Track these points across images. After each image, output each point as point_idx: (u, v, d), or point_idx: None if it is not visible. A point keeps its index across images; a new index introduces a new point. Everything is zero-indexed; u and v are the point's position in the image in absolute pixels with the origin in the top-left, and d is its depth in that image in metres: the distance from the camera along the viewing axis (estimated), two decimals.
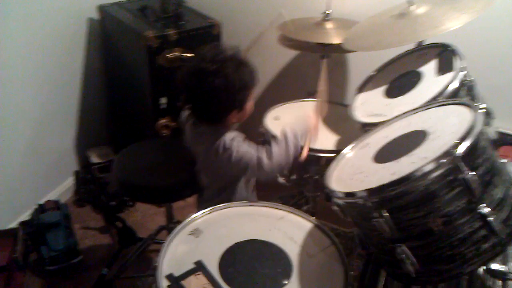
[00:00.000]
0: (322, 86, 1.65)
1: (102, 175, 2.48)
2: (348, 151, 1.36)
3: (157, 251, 2.10)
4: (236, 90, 1.42)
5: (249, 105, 1.52)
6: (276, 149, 1.46)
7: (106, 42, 2.57)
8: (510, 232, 1.04)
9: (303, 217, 1.33)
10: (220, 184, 1.59)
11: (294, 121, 1.56)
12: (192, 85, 1.44)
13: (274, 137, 1.69)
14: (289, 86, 2.47)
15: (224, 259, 1.17)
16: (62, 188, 2.53)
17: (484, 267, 1.11)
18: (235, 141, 1.47)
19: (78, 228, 2.32)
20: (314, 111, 1.59)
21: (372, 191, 1.05)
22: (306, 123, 1.55)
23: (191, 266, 1.15)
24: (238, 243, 1.22)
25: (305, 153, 1.55)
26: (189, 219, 1.31)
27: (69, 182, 2.59)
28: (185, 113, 1.67)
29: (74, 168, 2.63)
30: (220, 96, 1.42)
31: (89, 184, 2.49)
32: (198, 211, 1.70)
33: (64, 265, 2.07)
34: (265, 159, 1.44)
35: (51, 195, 2.43)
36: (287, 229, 1.29)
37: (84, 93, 2.58)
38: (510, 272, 1.14)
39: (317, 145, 1.63)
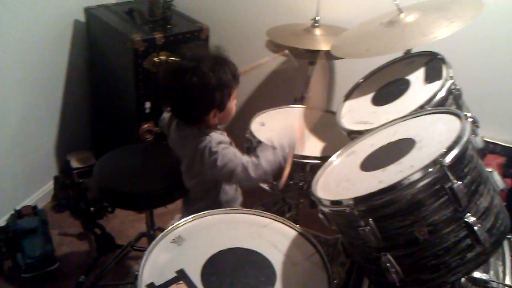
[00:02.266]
0: (314, 92, 1.62)
1: (81, 180, 2.43)
2: (334, 159, 1.35)
3: (137, 258, 2.11)
4: (213, 88, 1.41)
5: (231, 105, 1.50)
6: (262, 159, 1.45)
7: (92, 45, 2.54)
8: (495, 241, 1.04)
9: (287, 224, 1.32)
10: (204, 186, 1.57)
11: (281, 133, 1.53)
12: (170, 83, 1.43)
13: (260, 143, 1.67)
14: (275, 92, 2.46)
15: (206, 268, 1.15)
16: (41, 193, 2.48)
17: None
18: (221, 146, 1.45)
19: (56, 234, 2.28)
20: (300, 123, 1.57)
21: (359, 200, 1.04)
22: (293, 137, 1.52)
23: (172, 275, 1.12)
24: (221, 251, 1.20)
25: (285, 177, 1.53)
26: (172, 226, 1.28)
27: (48, 187, 2.54)
28: (167, 116, 1.65)
29: (54, 172, 2.59)
30: (196, 94, 1.41)
31: (68, 190, 2.44)
32: (184, 212, 1.69)
33: (40, 272, 2.02)
34: (250, 168, 1.43)
35: (29, 201, 2.38)
36: (271, 237, 1.27)
37: (67, 96, 2.54)
38: (491, 280, 1.14)
39: (303, 152, 1.61)
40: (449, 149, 1.00)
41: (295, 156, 1.58)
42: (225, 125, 1.62)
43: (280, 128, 1.55)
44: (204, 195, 1.59)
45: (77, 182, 2.44)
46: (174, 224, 1.28)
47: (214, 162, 1.43)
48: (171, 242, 1.23)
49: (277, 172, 1.50)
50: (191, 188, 1.62)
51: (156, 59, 2.18)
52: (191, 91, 1.40)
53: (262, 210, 1.37)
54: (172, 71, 1.44)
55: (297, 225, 1.31)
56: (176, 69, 1.43)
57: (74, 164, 2.52)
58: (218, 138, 1.47)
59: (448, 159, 0.98)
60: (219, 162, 1.42)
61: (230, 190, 1.60)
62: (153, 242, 1.21)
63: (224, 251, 1.20)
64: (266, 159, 1.45)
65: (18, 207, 2.23)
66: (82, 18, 2.48)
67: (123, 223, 2.38)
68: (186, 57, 1.42)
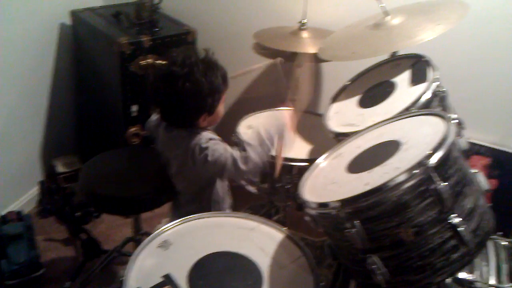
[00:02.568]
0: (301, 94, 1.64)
1: (67, 185, 2.41)
2: (321, 161, 1.35)
3: (123, 263, 2.09)
4: (205, 94, 1.42)
5: (220, 108, 1.52)
6: (250, 151, 1.45)
7: (78, 48, 2.52)
8: (479, 242, 1.05)
9: (274, 227, 1.31)
10: (196, 188, 1.57)
11: (269, 121, 1.54)
12: (162, 88, 1.43)
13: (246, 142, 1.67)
14: (263, 95, 2.45)
15: (193, 272, 1.14)
16: (26, 199, 2.45)
17: None
18: (211, 141, 1.46)
19: (41, 240, 2.24)
20: (290, 112, 1.57)
21: (345, 202, 1.04)
22: (281, 124, 1.52)
23: (159, 279, 1.11)
24: (208, 255, 1.19)
25: (279, 166, 1.53)
26: (158, 231, 1.27)
27: (33, 192, 2.50)
28: (154, 118, 1.64)
29: (39, 177, 2.55)
30: (189, 100, 1.42)
31: (53, 194, 2.42)
32: (173, 216, 1.67)
33: (25, 279, 1.99)
34: (240, 161, 1.43)
35: (14, 206, 2.34)
36: (258, 240, 1.26)
37: (53, 100, 2.52)
38: (476, 281, 1.15)
39: (290, 154, 1.62)
40: (434, 150, 1.01)
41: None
42: (213, 127, 1.62)
43: (269, 117, 1.55)
44: (196, 197, 1.58)
45: (63, 187, 2.41)
46: (161, 229, 1.27)
47: (205, 158, 1.43)
48: (158, 247, 1.22)
49: (268, 163, 1.51)
50: (183, 190, 1.61)
51: (143, 62, 2.17)
52: (184, 97, 1.41)
53: (250, 213, 1.37)
54: (164, 76, 1.43)
55: (284, 228, 1.30)
56: (168, 74, 1.42)
57: (60, 168, 2.50)
58: (208, 135, 1.49)
59: (433, 160, 0.99)
60: (210, 157, 1.43)
61: (221, 190, 1.60)
62: (139, 247, 1.20)
63: (211, 255, 1.19)
64: (254, 150, 1.45)
65: (2, 213, 2.20)
66: (68, 21, 2.46)
67: (110, 228, 2.35)
68: (176, 63, 1.41)
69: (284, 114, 1.55)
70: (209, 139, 1.46)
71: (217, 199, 1.60)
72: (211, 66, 1.44)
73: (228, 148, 1.47)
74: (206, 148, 1.44)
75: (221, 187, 1.60)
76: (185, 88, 1.39)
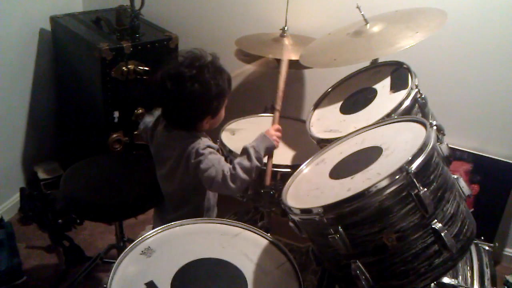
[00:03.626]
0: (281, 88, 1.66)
1: (49, 192, 2.37)
2: (304, 167, 1.36)
3: (106, 271, 2.07)
4: (213, 96, 1.44)
5: (222, 112, 1.54)
6: (238, 169, 1.45)
7: (59, 54, 2.49)
8: (461, 247, 1.07)
9: (258, 233, 1.31)
10: (183, 193, 1.56)
11: (257, 138, 1.54)
12: (169, 88, 1.42)
13: (231, 152, 1.67)
14: (245, 101, 2.46)
15: (177, 279, 1.13)
16: (7, 205, 2.40)
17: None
18: (208, 150, 1.46)
19: (23, 247, 2.21)
20: (273, 125, 1.59)
21: (328, 208, 1.05)
22: (270, 144, 1.53)
23: (142, 287, 1.10)
24: (192, 262, 1.19)
25: (269, 176, 1.54)
26: (141, 237, 1.26)
27: (14, 199, 2.46)
28: (149, 120, 1.64)
29: (21, 184, 2.51)
30: (197, 102, 1.43)
31: (35, 201, 2.38)
32: (158, 222, 1.66)
33: (7, 287, 1.95)
34: (229, 178, 1.43)
35: None
36: (242, 246, 1.26)
37: (33, 106, 2.48)
38: (460, 286, 1.17)
39: (273, 160, 1.62)
40: (415, 156, 1.02)
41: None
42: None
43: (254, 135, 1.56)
44: (183, 203, 1.57)
45: (45, 193, 2.38)
46: (144, 235, 1.26)
47: (198, 164, 1.44)
48: (140, 254, 1.21)
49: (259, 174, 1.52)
50: (170, 194, 1.60)
51: (124, 68, 2.15)
52: (192, 98, 1.42)
53: (235, 219, 1.37)
54: (171, 76, 1.43)
55: (268, 234, 1.30)
56: (176, 75, 1.42)
57: (42, 175, 2.47)
58: (207, 142, 1.49)
59: (414, 166, 1.01)
60: (202, 164, 1.43)
61: (213, 198, 1.61)
62: (122, 254, 1.19)
63: (194, 262, 1.19)
64: (242, 167, 1.45)
65: None
66: (48, 27, 2.43)
67: (92, 235, 2.33)
68: (184, 63, 1.43)
69: (272, 133, 1.54)
70: (207, 146, 1.47)
71: (208, 207, 1.60)
72: (219, 69, 1.47)
73: (222, 161, 1.47)
74: (202, 154, 1.44)
75: (213, 195, 1.61)
76: (194, 88, 1.40)
